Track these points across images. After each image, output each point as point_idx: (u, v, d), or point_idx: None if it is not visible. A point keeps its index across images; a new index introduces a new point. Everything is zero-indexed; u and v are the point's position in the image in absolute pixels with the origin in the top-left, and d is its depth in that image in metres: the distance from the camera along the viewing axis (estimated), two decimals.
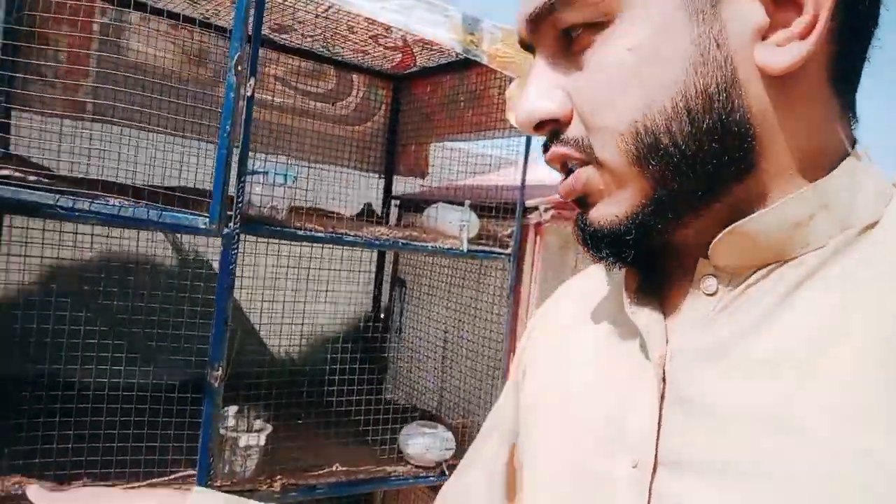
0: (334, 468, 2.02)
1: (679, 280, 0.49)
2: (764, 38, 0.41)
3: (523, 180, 2.24)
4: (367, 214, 2.80)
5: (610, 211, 0.45)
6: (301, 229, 1.83)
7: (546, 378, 0.60)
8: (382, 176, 3.04)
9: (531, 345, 0.65)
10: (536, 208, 2.31)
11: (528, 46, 0.49)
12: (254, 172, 1.78)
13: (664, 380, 0.45)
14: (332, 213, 2.62)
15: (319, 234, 1.86)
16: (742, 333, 0.43)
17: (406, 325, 2.97)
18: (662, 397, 0.45)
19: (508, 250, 2.25)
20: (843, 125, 0.44)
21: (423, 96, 2.89)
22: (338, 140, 2.90)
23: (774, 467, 0.38)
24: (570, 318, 0.61)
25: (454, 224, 2.15)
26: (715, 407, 0.42)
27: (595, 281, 0.60)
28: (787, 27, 0.40)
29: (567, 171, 0.47)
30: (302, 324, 2.59)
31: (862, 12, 0.42)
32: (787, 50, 0.40)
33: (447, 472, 2.17)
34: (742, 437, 0.40)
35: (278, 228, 1.80)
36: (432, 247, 2.07)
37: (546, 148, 0.48)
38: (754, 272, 0.44)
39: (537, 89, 0.46)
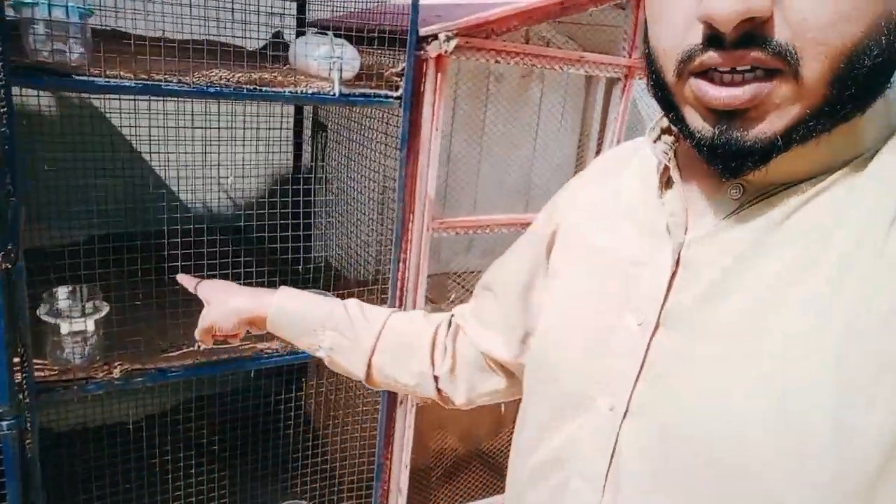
0: (197, 347, 1.82)
1: (709, 179, 0.54)
2: None
3: (416, 2, 1.78)
4: (276, 48, 2.38)
5: (773, 127, 0.45)
6: (101, 77, 1.46)
7: (575, 241, 0.67)
8: None
9: (566, 205, 0.72)
10: (436, 37, 1.86)
11: None
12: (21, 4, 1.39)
13: (678, 262, 0.54)
14: (225, 46, 2.22)
15: (127, 84, 1.49)
16: (752, 234, 0.50)
17: (331, 176, 2.64)
18: (673, 275, 0.54)
19: (398, 92, 1.85)
20: None
21: None
22: None
23: (741, 334, 0.48)
24: (597, 192, 0.68)
25: (323, 61, 1.74)
26: (712, 288, 0.51)
27: (624, 164, 0.66)
28: None
29: (729, 75, 0.45)
30: (212, 177, 2.29)
31: None
32: None
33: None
34: (727, 311, 0.49)
35: (67, 78, 1.44)
36: (290, 93, 1.69)
37: (719, 44, 0.44)
38: (773, 189, 0.50)
39: None
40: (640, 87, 2.71)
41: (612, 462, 0.57)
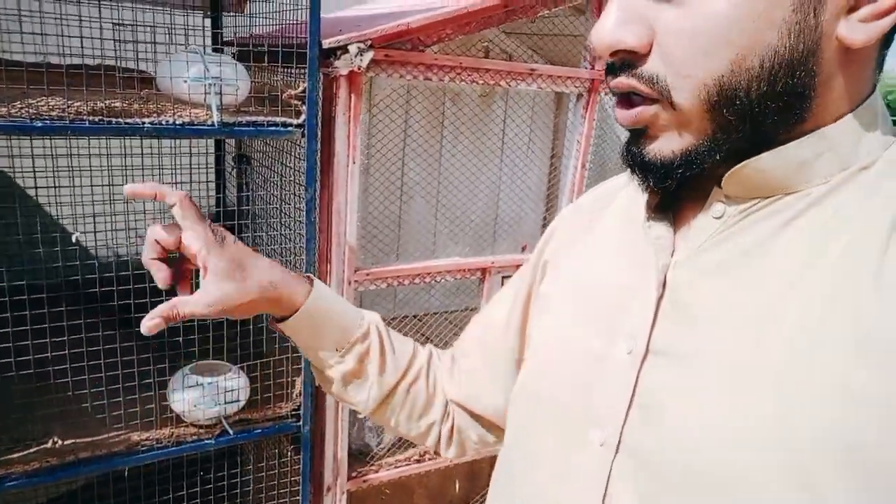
0: (50, 443, 1.44)
1: (693, 203, 0.55)
2: (849, 12, 0.44)
3: (315, 5, 1.43)
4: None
5: (669, 146, 0.49)
6: None
7: (565, 273, 0.68)
8: (208, 15, 2.23)
9: (554, 247, 0.72)
10: (345, 49, 1.51)
11: None
12: None
13: (664, 285, 0.54)
14: (141, 74, 1.88)
15: None
16: (737, 252, 0.50)
17: (258, 213, 2.28)
18: (661, 299, 0.53)
19: (299, 119, 1.49)
20: (873, 79, 0.49)
21: None
22: None
23: (733, 360, 0.46)
24: (590, 224, 0.68)
25: (195, 83, 1.39)
26: (700, 310, 0.50)
27: (613, 194, 0.68)
28: (873, 3, 0.43)
29: (625, 98, 0.50)
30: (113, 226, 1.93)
31: None
32: (870, 27, 0.44)
33: (231, 431, 1.58)
34: (716, 337, 0.48)
35: None
36: (151, 125, 1.33)
37: (611, 73, 0.50)
38: (758, 202, 0.50)
39: (621, 16, 0.47)
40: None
41: (604, 501, 0.55)
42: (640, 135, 0.51)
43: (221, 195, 2.37)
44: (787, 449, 0.44)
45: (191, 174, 2.10)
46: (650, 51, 0.47)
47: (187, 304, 0.69)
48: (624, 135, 0.54)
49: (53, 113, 1.25)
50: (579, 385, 0.59)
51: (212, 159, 2.34)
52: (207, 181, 2.35)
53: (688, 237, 0.55)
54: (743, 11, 0.43)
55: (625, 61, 0.48)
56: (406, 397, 0.83)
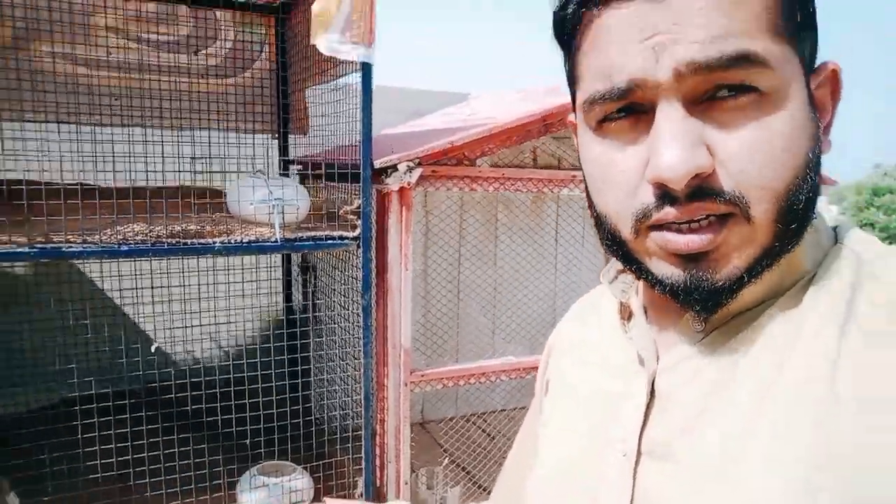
0: None
1: (674, 313, 0.57)
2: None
3: (367, 131, 1.59)
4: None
5: (738, 265, 0.50)
6: None
7: (563, 386, 0.71)
8: (276, 136, 2.45)
9: (553, 362, 0.75)
10: (395, 168, 1.65)
11: (631, 89, 0.49)
12: None
13: (652, 392, 0.56)
14: (200, 189, 2.09)
15: (22, 251, 1.31)
16: (714, 363, 0.53)
17: (325, 318, 2.40)
18: (649, 405, 0.56)
19: (355, 233, 1.62)
20: None
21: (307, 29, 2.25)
22: (211, 98, 2.33)
23: (725, 461, 0.49)
24: (579, 337, 0.72)
25: (260, 205, 1.54)
26: (685, 418, 0.53)
27: (597, 303, 0.71)
28: (822, 120, 0.52)
29: (678, 225, 0.49)
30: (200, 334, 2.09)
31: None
32: (827, 138, 0.53)
33: None
34: (703, 441, 0.51)
35: None
36: (222, 244, 1.48)
37: (669, 203, 0.49)
38: (730, 317, 0.53)
39: (685, 142, 0.47)
40: None
41: None
42: (698, 260, 0.50)
43: (290, 303, 2.51)
44: None
45: (257, 285, 2.27)
46: (714, 170, 0.48)
47: None
48: None
49: (138, 237, 1.41)
50: (582, 490, 0.62)
51: (278, 272, 2.51)
52: (276, 291, 2.51)
53: (672, 344, 0.58)
54: (796, 126, 0.48)
55: (694, 188, 0.47)
56: None
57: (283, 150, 2.42)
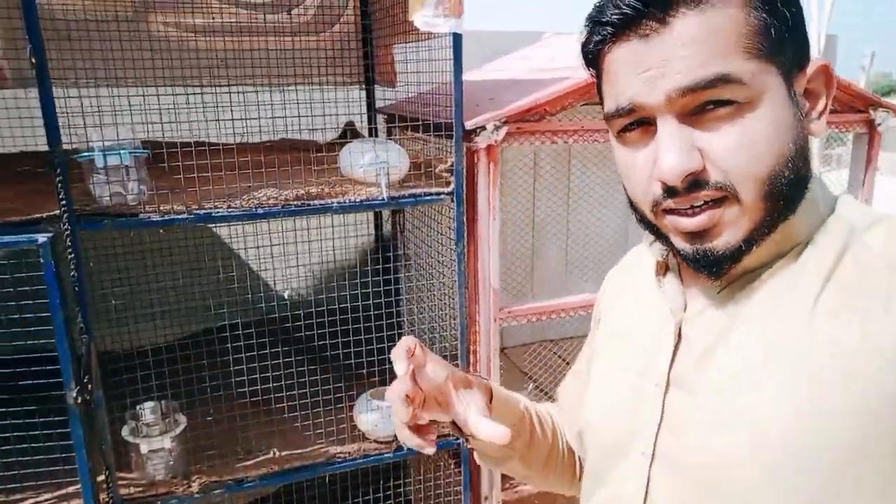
0: (272, 454, 1.85)
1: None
2: (807, 114, 0.65)
3: (458, 97, 1.76)
4: (348, 136, 2.44)
5: (735, 237, 0.63)
6: (156, 214, 1.55)
7: (610, 327, 0.85)
8: (363, 87, 2.63)
9: (605, 302, 0.90)
10: (484, 128, 1.82)
11: (620, 110, 0.64)
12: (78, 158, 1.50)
13: (679, 335, 0.72)
14: (300, 143, 2.31)
15: (180, 217, 1.57)
16: (726, 313, 0.68)
17: (412, 256, 2.64)
18: (677, 346, 0.72)
19: (449, 188, 1.82)
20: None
21: None
22: (302, 54, 2.51)
23: (734, 386, 0.64)
24: (622, 285, 0.87)
25: (369, 168, 1.75)
26: (703, 355, 0.68)
27: (640, 256, 0.85)
28: (815, 107, 0.65)
29: (683, 210, 0.63)
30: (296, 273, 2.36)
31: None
32: (822, 120, 0.65)
33: (405, 447, 1.92)
34: (716, 372, 0.66)
35: (126, 218, 1.54)
36: (338, 204, 1.71)
37: (671, 196, 0.63)
38: (740, 277, 0.68)
39: (679, 149, 0.61)
40: None
41: (646, 499, 0.72)
42: (702, 235, 0.63)
43: (383, 242, 2.76)
44: (764, 449, 0.60)
45: (356, 228, 2.51)
46: (705, 169, 0.61)
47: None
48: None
49: (270, 202, 1.65)
50: (626, 414, 0.76)
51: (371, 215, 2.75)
52: (370, 233, 2.75)
53: (696, 296, 0.72)
54: (775, 125, 0.60)
55: (690, 182, 0.61)
56: (559, 458, 0.98)
57: (370, 99, 2.61)
